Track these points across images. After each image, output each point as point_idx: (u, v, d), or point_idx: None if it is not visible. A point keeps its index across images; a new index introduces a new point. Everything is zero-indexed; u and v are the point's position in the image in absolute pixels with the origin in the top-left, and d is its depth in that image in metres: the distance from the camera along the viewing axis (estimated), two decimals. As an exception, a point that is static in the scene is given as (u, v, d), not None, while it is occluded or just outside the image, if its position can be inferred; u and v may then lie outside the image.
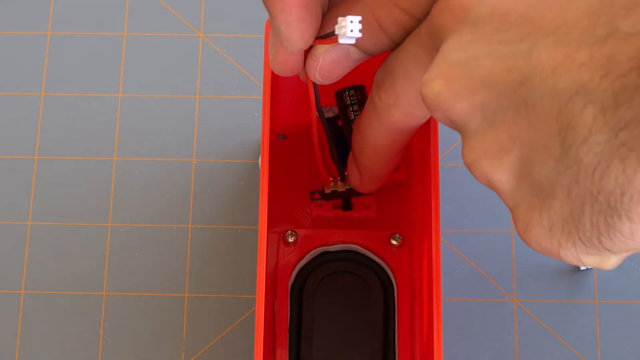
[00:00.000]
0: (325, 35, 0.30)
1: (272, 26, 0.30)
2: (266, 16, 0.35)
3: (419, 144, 0.38)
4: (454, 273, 0.45)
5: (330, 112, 0.40)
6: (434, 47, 0.28)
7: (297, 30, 0.29)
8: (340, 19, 0.28)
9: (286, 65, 0.31)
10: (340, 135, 0.39)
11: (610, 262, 0.25)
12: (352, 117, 0.38)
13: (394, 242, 0.39)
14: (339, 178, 0.38)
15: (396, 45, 0.30)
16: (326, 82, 0.31)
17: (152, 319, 0.44)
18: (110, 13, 0.49)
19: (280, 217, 0.39)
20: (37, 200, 0.46)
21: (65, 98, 0.48)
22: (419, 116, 0.31)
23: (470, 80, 0.25)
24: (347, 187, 0.38)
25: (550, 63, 0.22)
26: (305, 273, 0.39)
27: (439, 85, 0.25)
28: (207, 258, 0.45)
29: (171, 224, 0.46)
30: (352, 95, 0.38)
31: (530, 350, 0.44)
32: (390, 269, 0.39)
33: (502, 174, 0.25)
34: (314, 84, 0.33)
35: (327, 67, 0.31)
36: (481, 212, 0.45)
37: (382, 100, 0.31)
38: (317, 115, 0.35)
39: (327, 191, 0.38)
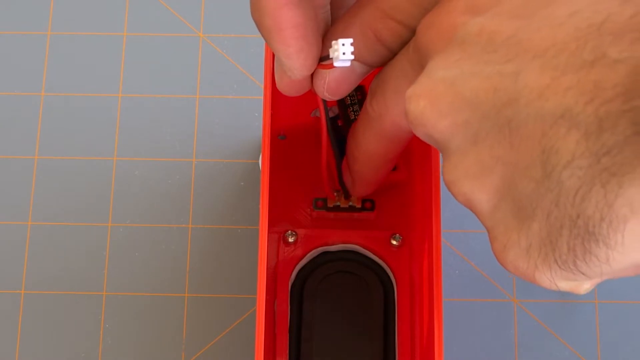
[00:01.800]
0: (322, 59, 0.30)
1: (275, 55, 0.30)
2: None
3: (419, 144, 0.38)
4: (454, 273, 0.45)
5: (330, 112, 0.40)
6: (420, 63, 0.28)
7: (297, 60, 0.29)
8: (333, 42, 0.29)
9: (292, 88, 0.32)
10: (340, 136, 0.39)
11: (584, 287, 0.26)
12: (352, 117, 0.38)
13: (394, 242, 0.39)
14: (342, 193, 0.39)
15: (395, 55, 0.31)
16: (335, 98, 0.32)
17: (152, 319, 0.44)
18: (110, 13, 0.49)
19: (280, 217, 0.39)
20: (37, 200, 0.46)
21: (65, 98, 0.48)
22: (408, 128, 0.31)
23: (455, 99, 0.25)
24: (350, 204, 0.39)
25: (537, 85, 0.22)
26: (305, 273, 0.39)
27: (424, 102, 0.25)
28: (207, 258, 0.45)
29: (171, 224, 0.46)
30: (352, 95, 0.38)
31: (530, 350, 0.44)
32: (390, 269, 0.39)
33: (483, 194, 0.25)
34: (324, 101, 0.33)
35: (334, 84, 0.31)
36: (481, 212, 0.45)
37: (374, 109, 0.32)
38: (327, 133, 0.35)
39: (330, 205, 0.39)
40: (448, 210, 0.45)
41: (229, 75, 0.48)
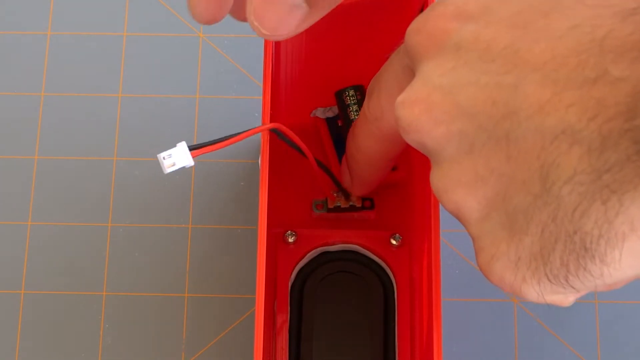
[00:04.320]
0: None
1: None
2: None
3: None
4: (454, 273, 0.45)
5: (330, 112, 0.40)
6: (410, 67, 0.27)
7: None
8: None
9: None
10: (340, 136, 0.39)
11: (570, 299, 0.26)
12: (352, 117, 0.38)
13: (394, 242, 0.39)
14: (342, 194, 0.39)
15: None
16: (269, 33, 0.28)
17: (152, 319, 0.44)
18: (110, 13, 0.49)
19: (280, 217, 0.39)
20: (37, 200, 0.46)
21: (65, 98, 0.48)
22: None
23: (452, 107, 0.25)
24: (350, 204, 0.39)
25: (538, 100, 0.22)
26: (305, 273, 0.39)
27: (418, 109, 0.25)
28: (207, 258, 0.45)
29: (171, 224, 0.46)
30: (352, 95, 0.38)
31: (530, 350, 0.44)
32: (390, 269, 0.39)
33: (474, 203, 0.25)
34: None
35: (260, 5, 0.28)
36: (481, 212, 0.45)
37: (370, 111, 0.31)
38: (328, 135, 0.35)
39: (331, 206, 0.39)
40: (448, 210, 0.45)
41: (229, 75, 0.48)
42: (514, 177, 0.24)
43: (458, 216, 0.26)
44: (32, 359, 0.44)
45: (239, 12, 0.30)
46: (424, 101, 0.25)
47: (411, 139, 0.26)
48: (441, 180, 0.26)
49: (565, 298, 0.25)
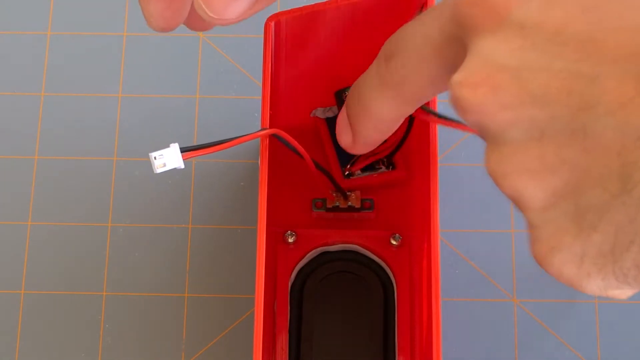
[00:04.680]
0: None
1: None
2: (266, 16, 0.35)
3: (418, 144, 0.38)
4: (454, 273, 0.45)
5: (330, 112, 0.40)
6: (456, 37, 0.26)
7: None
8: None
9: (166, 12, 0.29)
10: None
11: (628, 293, 0.25)
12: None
13: (394, 242, 0.39)
14: (341, 194, 0.39)
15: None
16: (216, 16, 0.28)
17: (152, 319, 0.44)
18: (110, 13, 0.49)
19: (280, 217, 0.39)
20: (37, 200, 0.46)
21: (65, 98, 0.48)
22: (429, 95, 0.29)
23: (522, 92, 0.23)
24: (349, 205, 0.39)
25: (619, 96, 0.21)
26: (305, 273, 0.39)
27: (483, 91, 0.24)
28: (207, 258, 0.45)
29: (171, 224, 0.46)
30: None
31: (530, 350, 0.44)
32: (390, 269, 0.39)
33: (539, 191, 0.24)
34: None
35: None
36: (481, 212, 0.45)
37: (392, 76, 0.29)
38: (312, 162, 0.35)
39: (329, 206, 0.39)
40: (448, 210, 0.45)
41: (229, 75, 0.48)
42: (589, 171, 0.23)
43: (515, 201, 0.25)
44: (32, 359, 0.44)
45: (194, 23, 0.30)
46: (489, 82, 0.24)
47: (469, 119, 0.25)
48: (500, 165, 0.24)
49: (624, 292, 0.25)
